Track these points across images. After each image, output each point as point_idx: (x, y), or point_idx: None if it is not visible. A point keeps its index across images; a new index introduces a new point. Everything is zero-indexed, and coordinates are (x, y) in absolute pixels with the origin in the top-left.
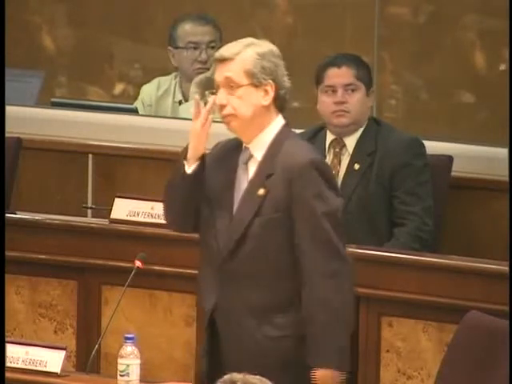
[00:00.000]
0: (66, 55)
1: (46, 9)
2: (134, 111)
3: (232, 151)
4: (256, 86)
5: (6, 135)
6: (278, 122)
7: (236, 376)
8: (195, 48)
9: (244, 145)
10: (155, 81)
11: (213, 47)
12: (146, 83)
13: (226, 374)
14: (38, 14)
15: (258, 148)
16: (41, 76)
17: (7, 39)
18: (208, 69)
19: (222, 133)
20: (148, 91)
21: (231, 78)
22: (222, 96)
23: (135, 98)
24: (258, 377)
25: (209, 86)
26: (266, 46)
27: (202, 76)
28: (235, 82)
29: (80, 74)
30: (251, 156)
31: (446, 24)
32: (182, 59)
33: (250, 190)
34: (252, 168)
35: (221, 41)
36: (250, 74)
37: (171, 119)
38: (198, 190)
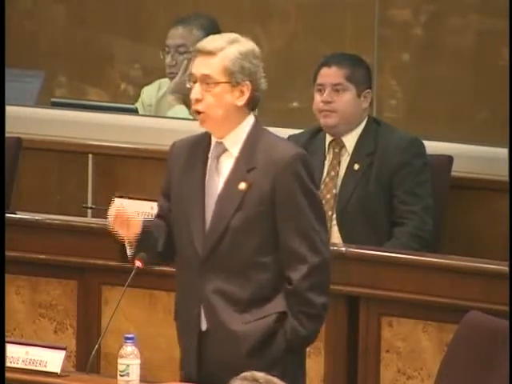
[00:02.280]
0: (66, 55)
1: (45, 9)
2: (134, 111)
3: (197, 148)
4: (233, 86)
5: (6, 135)
6: (250, 119)
7: (257, 374)
8: (168, 52)
9: (215, 140)
10: (156, 83)
11: (181, 52)
12: (146, 83)
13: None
14: (38, 13)
15: (233, 143)
16: (41, 76)
17: (7, 39)
18: (177, 73)
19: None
20: (149, 92)
21: (209, 75)
22: (196, 90)
23: (135, 98)
24: (276, 378)
25: (180, 91)
26: (248, 45)
27: (171, 84)
28: (213, 78)
29: (80, 74)
30: (225, 150)
31: (446, 24)
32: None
33: (229, 185)
34: (225, 163)
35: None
36: (229, 73)
37: (171, 119)
38: (153, 246)
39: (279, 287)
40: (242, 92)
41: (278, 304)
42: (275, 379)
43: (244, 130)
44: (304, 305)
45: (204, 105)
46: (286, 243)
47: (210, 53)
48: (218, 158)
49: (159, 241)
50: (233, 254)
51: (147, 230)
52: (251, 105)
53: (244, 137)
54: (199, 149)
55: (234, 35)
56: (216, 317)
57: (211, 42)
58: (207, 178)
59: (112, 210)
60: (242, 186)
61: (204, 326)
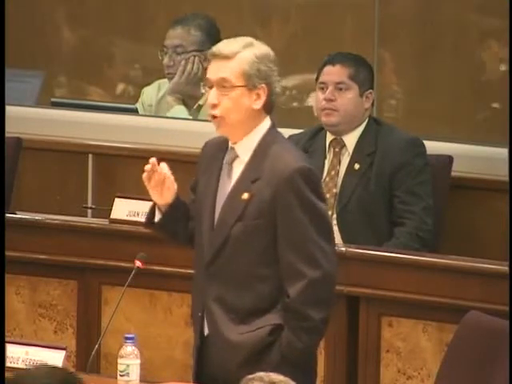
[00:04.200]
0: (66, 55)
1: (45, 9)
2: (134, 111)
3: (220, 151)
4: (249, 89)
5: (6, 135)
6: (265, 124)
7: (275, 377)
8: (166, 53)
9: (230, 145)
10: (155, 83)
11: (178, 53)
12: (145, 83)
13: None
14: (37, 13)
15: (245, 149)
16: (41, 76)
17: (7, 39)
18: (175, 73)
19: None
20: (149, 93)
21: (226, 79)
22: (213, 95)
23: (135, 98)
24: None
25: (179, 92)
26: (263, 48)
27: (170, 85)
28: (230, 82)
29: (80, 74)
30: (236, 157)
31: (446, 24)
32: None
33: (234, 194)
34: (236, 169)
35: (203, 45)
36: (246, 76)
37: (171, 119)
38: (179, 221)
39: (278, 299)
40: (258, 95)
41: (274, 316)
42: (291, 382)
43: (257, 136)
44: (300, 319)
45: (221, 109)
46: (283, 257)
47: (226, 57)
48: (230, 163)
49: (186, 219)
50: (233, 263)
51: (178, 202)
52: (268, 108)
53: (256, 143)
54: (220, 152)
55: (248, 39)
56: (215, 324)
57: (227, 45)
58: (220, 184)
59: (149, 167)
60: (245, 196)
61: (206, 331)
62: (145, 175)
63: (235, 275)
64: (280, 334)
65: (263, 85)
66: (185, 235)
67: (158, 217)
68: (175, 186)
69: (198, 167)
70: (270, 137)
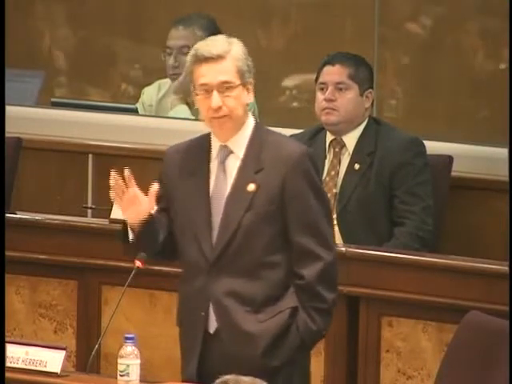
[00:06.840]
0: (66, 55)
1: (46, 9)
2: (135, 111)
3: (194, 153)
4: (243, 85)
5: (6, 135)
6: (251, 119)
7: (242, 378)
8: (170, 53)
9: (219, 144)
10: (155, 84)
11: (184, 53)
12: (146, 83)
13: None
14: (38, 14)
15: (238, 145)
16: (41, 76)
17: (7, 39)
18: (181, 73)
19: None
20: (149, 93)
21: (228, 81)
22: (217, 99)
23: (135, 97)
24: (249, 378)
25: (183, 91)
26: (240, 43)
27: (176, 83)
28: (231, 82)
29: (80, 74)
30: (230, 153)
31: (446, 24)
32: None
33: (237, 187)
34: (232, 165)
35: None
36: (241, 74)
37: (171, 119)
38: (154, 236)
39: (289, 285)
40: (248, 90)
41: (290, 300)
42: (259, 381)
43: (247, 131)
44: (315, 300)
45: (226, 110)
46: (297, 241)
47: (220, 57)
48: (224, 161)
49: (160, 233)
50: (243, 254)
51: (151, 219)
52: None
53: (248, 138)
54: (198, 153)
55: (223, 36)
56: (229, 318)
57: (214, 46)
58: (214, 182)
59: (118, 185)
60: (251, 187)
61: (212, 328)
62: (114, 187)
63: (246, 266)
64: (296, 317)
65: (251, 79)
66: (170, 250)
67: (131, 236)
68: (153, 202)
69: (164, 176)
70: (260, 130)
